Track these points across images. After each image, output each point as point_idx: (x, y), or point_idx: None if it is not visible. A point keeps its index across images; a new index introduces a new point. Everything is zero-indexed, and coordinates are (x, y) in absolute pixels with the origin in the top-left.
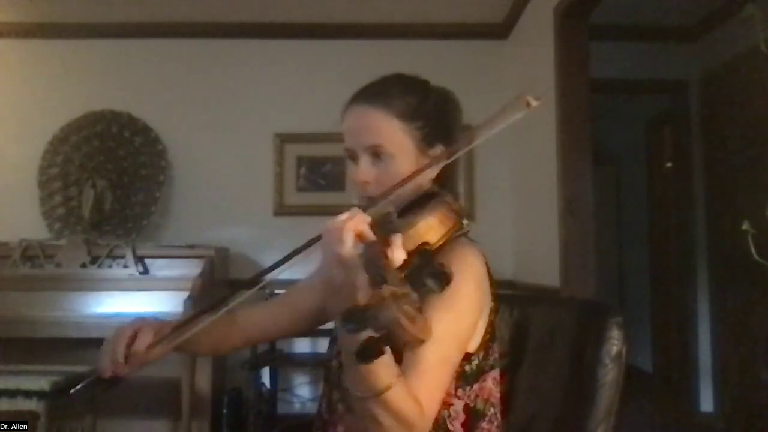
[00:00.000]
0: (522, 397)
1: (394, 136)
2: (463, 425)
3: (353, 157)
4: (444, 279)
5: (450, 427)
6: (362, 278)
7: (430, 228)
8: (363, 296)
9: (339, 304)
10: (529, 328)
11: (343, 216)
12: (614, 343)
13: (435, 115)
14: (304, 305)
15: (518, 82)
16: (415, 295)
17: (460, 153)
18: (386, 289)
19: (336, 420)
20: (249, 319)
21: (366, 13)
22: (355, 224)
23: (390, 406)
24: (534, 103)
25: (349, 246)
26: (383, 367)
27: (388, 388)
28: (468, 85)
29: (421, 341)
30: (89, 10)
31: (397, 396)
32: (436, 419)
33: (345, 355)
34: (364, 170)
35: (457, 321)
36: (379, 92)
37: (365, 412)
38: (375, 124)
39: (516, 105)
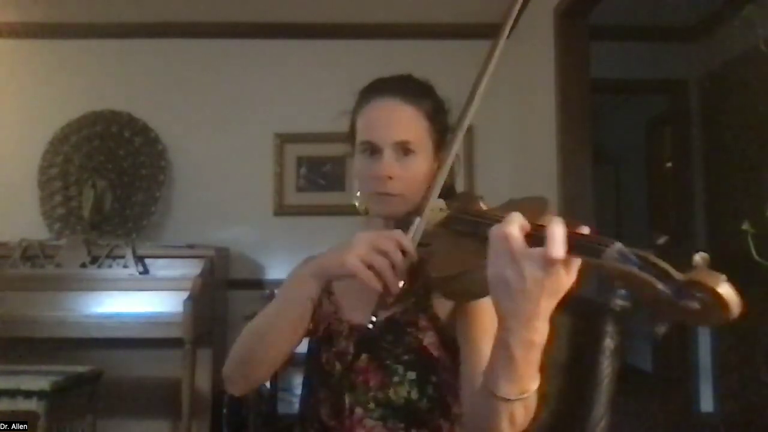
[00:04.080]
0: None
1: (422, 134)
2: None
3: (375, 150)
4: None
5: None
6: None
7: None
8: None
9: (527, 301)
10: None
11: (506, 226)
12: (612, 336)
13: (447, 120)
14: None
15: (518, 82)
16: None
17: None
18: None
19: (351, 425)
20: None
21: (366, 13)
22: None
23: (530, 404)
24: None
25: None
26: (536, 366)
27: (535, 387)
28: (468, 85)
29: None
30: (89, 10)
31: (534, 394)
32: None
33: (508, 356)
34: (389, 164)
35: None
36: (408, 89)
37: (501, 414)
38: (407, 120)
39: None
